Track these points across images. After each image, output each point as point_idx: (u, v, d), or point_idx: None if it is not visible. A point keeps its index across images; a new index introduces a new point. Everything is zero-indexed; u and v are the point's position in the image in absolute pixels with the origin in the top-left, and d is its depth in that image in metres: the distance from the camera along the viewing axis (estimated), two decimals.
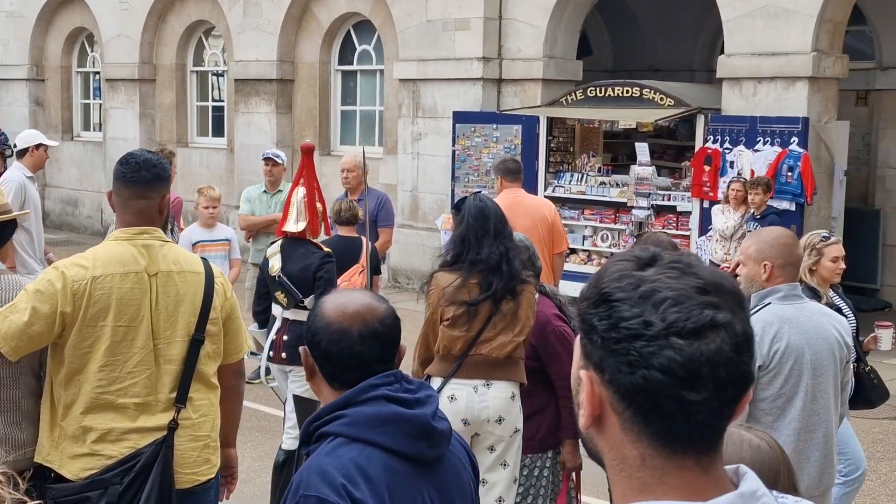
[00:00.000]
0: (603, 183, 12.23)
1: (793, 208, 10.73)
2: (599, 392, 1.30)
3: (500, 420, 4.61)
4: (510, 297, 4.54)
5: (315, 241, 6.29)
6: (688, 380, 1.24)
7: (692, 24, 15.39)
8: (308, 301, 6.01)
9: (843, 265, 5.50)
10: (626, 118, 12.07)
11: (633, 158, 12.07)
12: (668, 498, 1.27)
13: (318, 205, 6.33)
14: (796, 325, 3.95)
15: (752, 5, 11.09)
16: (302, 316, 5.78)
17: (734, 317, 1.28)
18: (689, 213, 11.47)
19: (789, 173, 10.68)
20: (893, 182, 13.38)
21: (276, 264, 6.12)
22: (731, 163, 11.10)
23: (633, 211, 11.85)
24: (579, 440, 4.66)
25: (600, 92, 12.05)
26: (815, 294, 5.31)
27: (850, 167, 12.71)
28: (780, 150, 10.73)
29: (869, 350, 5.84)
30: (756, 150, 10.91)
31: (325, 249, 6.33)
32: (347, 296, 2.51)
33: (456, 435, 2.53)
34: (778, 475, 1.86)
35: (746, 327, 1.29)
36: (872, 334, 5.89)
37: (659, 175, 11.92)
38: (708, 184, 11.19)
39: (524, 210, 7.81)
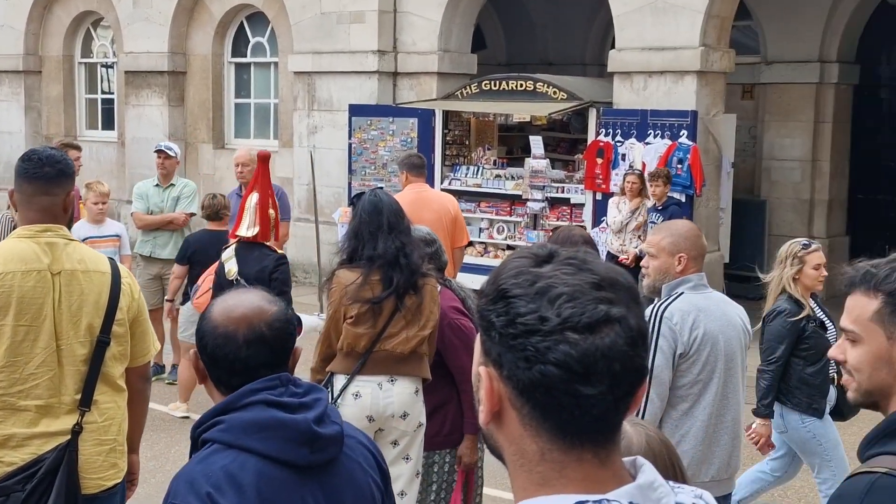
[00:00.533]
0: (498, 176, 12.34)
1: (683, 199, 10.99)
2: (498, 388, 1.31)
3: (404, 415, 4.62)
4: (413, 292, 4.55)
5: (268, 243, 6.43)
6: (583, 374, 1.26)
7: (584, 19, 15.63)
8: None
9: (825, 272, 5.42)
10: (521, 111, 12.20)
11: (527, 151, 12.21)
12: (567, 491, 1.28)
13: (271, 211, 6.48)
14: (709, 314, 4.08)
15: (642, 0, 11.31)
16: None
17: (629, 311, 1.29)
18: (583, 205, 11.66)
19: (679, 165, 10.94)
20: (778, 173, 13.82)
21: (232, 268, 6.26)
22: (623, 155, 11.32)
23: (529, 203, 11.99)
24: (479, 435, 4.71)
25: (495, 85, 12.15)
26: (797, 305, 5.33)
27: (737, 159, 13.08)
28: (670, 142, 10.98)
29: None
30: (647, 143, 11.15)
31: (280, 251, 6.47)
32: (237, 298, 2.41)
33: (361, 438, 2.48)
34: (667, 469, 1.92)
35: (641, 322, 1.31)
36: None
37: (553, 168, 12.08)
38: (600, 176, 11.39)
39: (429, 204, 8.01)
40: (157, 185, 9.51)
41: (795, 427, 5.48)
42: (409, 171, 8.19)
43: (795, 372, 5.41)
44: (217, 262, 6.49)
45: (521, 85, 12.01)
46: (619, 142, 11.34)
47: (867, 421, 8.55)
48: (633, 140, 11.25)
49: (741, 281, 13.46)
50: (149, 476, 6.72)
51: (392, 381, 4.62)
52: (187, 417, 8.18)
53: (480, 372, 1.33)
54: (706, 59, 10.98)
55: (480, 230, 12.50)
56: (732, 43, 12.00)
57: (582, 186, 11.70)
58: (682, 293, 4.06)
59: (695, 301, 4.06)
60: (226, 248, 6.46)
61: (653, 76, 11.28)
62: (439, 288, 4.79)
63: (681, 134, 10.94)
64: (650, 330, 4.00)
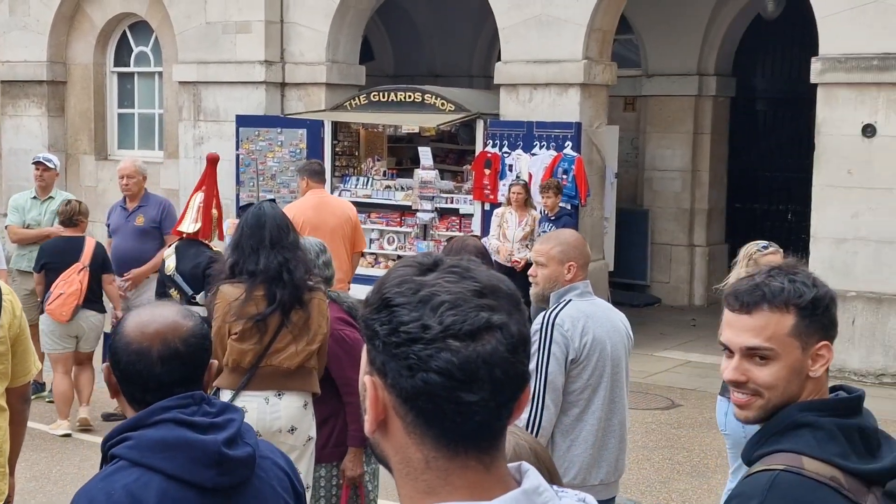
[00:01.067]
0: (388, 186, 12.37)
1: (569, 209, 11.19)
2: (383, 397, 1.32)
3: (292, 430, 4.60)
4: (299, 307, 4.53)
5: (206, 241, 6.83)
6: (465, 381, 1.26)
7: (470, 31, 15.80)
8: (199, 297, 6.47)
9: None
10: (409, 123, 12.27)
11: (417, 162, 12.28)
12: (453, 498, 1.29)
13: (214, 211, 6.91)
14: (597, 320, 4.18)
15: (527, 14, 11.51)
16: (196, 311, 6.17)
17: (510, 318, 1.30)
18: (472, 215, 11.77)
19: (564, 176, 11.14)
20: (660, 183, 14.18)
21: (171, 263, 6.63)
22: (511, 166, 11.48)
23: (418, 214, 12.05)
24: (365, 448, 4.72)
25: (383, 97, 12.19)
26: None
27: (621, 170, 13.39)
28: (555, 153, 11.18)
29: None
30: (533, 154, 11.33)
31: (215, 249, 6.78)
32: (151, 313, 2.35)
33: (278, 459, 2.43)
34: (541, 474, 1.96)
35: (522, 328, 1.32)
36: None
37: (442, 178, 12.18)
38: (488, 186, 11.52)
39: (332, 209, 8.30)
40: (34, 197, 9.26)
41: (736, 430, 5.36)
42: (309, 177, 8.41)
43: None
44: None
45: (410, 96, 12.08)
46: (506, 153, 11.50)
47: (661, 401, 8.64)
48: (519, 151, 11.42)
49: (626, 289, 13.78)
50: (29, 497, 6.54)
51: (279, 395, 4.59)
52: (69, 435, 7.97)
53: (365, 381, 1.34)
54: (589, 72, 11.22)
55: (371, 241, 12.49)
56: (614, 56, 12.30)
57: (470, 197, 11.82)
58: (570, 300, 4.15)
59: (583, 308, 4.16)
60: (169, 245, 6.82)
61: (538, 88, 11.47)
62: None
63: (566, 145, 11.15)
64: (542, 337, 4.08)
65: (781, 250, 5.43)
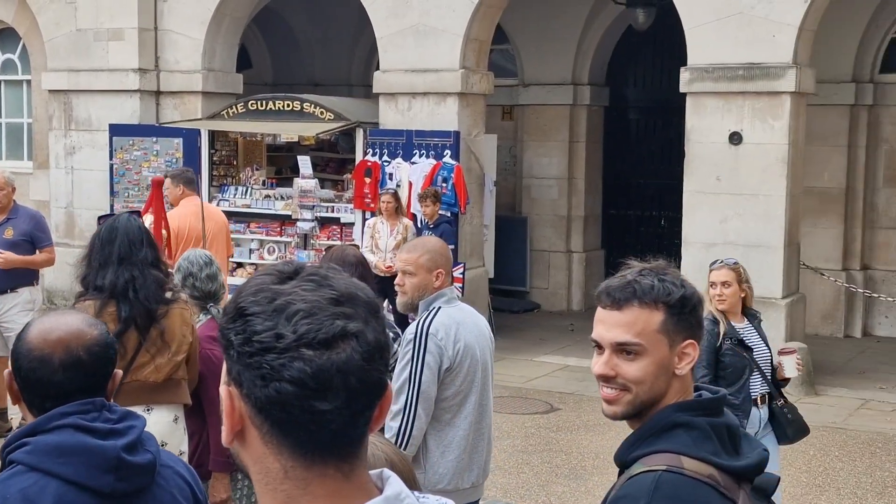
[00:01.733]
0: (268, 196, 12.27)
1: (447, 216, 11.29)
2: (239, 407, 1.31)
3: (162, 445, 4.49)
4: (154, 323, 4.41)
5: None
6: (319, 390, 1.26)
7: (349, 40, 15.78)
8: None
9: (721, 290, 5.32)
10: (288, 131, 12.19)
11: (296, 171, 12.21)
12: None
13: (164, 232, 7.14)
14: (466, 326, 4.23)
15: (404, 23, 11.57)
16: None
17: (367, 326, 1.30)
18: (353, 224, 11.76)
19: (444, 184, 11.24)
20: (538, 191, 14.41)
21: None
22: (391, 175, 11.52)
23: (298, 223, 11.98)
24: (233, 472, 4.62)
25: (261, 105, 12.10)
26: (714, 323, 5.30)
27: (499, 178, 13.56)
28: (434, 162, 11.27)
29: (782, 379, 5.49)
30: (413, 163, 11.39)
31: (169, 262, 7.17)
32: (55, 320, 2.33)
33: (180, 468, 2.42)
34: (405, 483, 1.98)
35: (379, 336, 1.32)
36: (777, 362, 5.51)
37: (322, 187, 12.14)
38: (369, 195, 11.53)
39: (212, 216, 8.44)
40: None
41: None
42: (185, 185, 8.45)
43: None
44: None
45: (289, 105, 12.01)
46: (386, 161, 11.53)
47: (540, 406, 8.80)
48: (399, 160, 11.47)
49: (506, 295, 13.95)
50: None
51: (148, 410, 4.49)
52: None
53: (221, 391, 1.34)
54: (466, 81, 11.34)
55: (251, 251, 12.38)
56: (492, 66, 12.46)
57: (351, 206, 11.81)
58: (439, 307, 4.20)
59: (453, 315, 4.21)
60: None
61: (417, 97, 11.55)
62: (203, 316, 4.73)
63: (445, 154, 11.25)
64: (416, 347, 4.11)
65: (729, 264, 5.46)
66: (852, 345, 12.20)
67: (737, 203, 10.21)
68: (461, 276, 11.29)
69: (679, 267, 10.63)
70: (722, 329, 5.31)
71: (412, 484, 2.01)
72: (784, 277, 10.16)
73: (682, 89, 10.42)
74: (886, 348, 11.98)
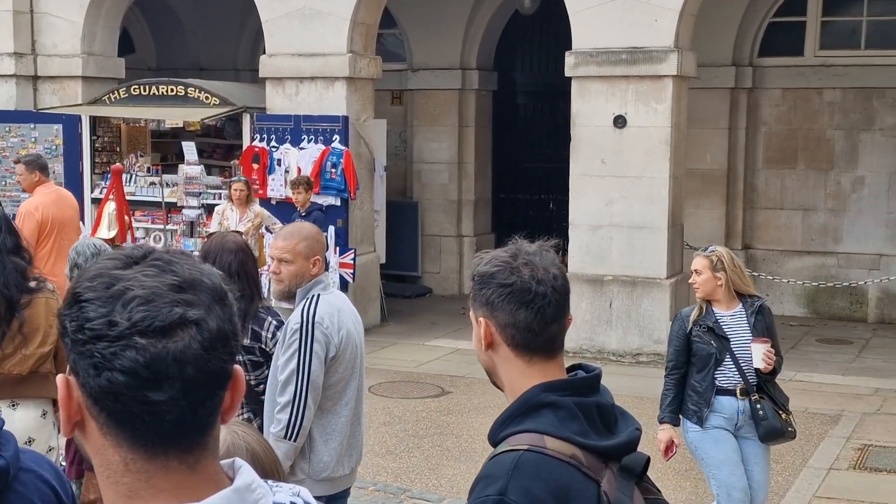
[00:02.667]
0: (153, 183, 12.01)
1: (338, 203, 11.22)
2: (77, 396, 1.27)
3: (29, 441, 4.35)
4: (14, 313, 4.24)
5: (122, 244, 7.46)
6: (152, 380, 1.22)
7: (235, 24, 15.53)
8: None
9: (696, 277, 5.29)
10: (172, 117, 11.95)
11: (182, 158, 11.97)
12: (157, 501, 1.26)
13: (126, 217, 7.89)
14: (344, 313, 4.20)
15: (290, 7, 11.43)
16: None
17: (209, 314, 1.26)
18: None
19: (333, 170, 11.16)
20: (428, 176, 14.42)
21: None
22: (279, 160, 11.38)
23: (185, 211, 11.76)
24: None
25: (144, 90, 11.83)
26: (699, 310, 5.29)
27: (390, 163, 13.53)
28: (323, 147, 11.18)
29: (763, 371, 5.28)
30: (301, 148, 11.28)
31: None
32: None
33: (44, 473, 2.24)
34: (268, 475, 1.94)
35: (222, 324, 1.28)
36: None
37: (209, 174, 11.93)
38: (257, 181, 11.37)
39: (70, 202, 8.47)
40: None
41: (685, 434, 5.41)
42: (42, 171, 8.45)
43: (689, 378, 5.35)
44: None
45: (172, 90, 11.78)
46: (274, 147, 11.39)
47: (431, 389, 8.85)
48: (287, 145, 11.35)
49: (398, 280, 13.95)
50: None
51: (13, 406, 4.35)
52: None
53: (58, 380, 1.29)
54: (354, 65, 11.26)
55: (137, 239, 12.09)
56: (381, 50, 12.40)
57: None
58: (318, 295, 4.16)
59: (332, 301, 4.18)
60: None
61: (304, 82, 11.42)
62: None
63: (333, 139, 11.16)
64: (303, 336, 4.05)
65: (705, 252, 5.33)
66: None
67: (622, 185, 10.38)
68: (352, 261, 11.25)
69: (566, 249, 10.80)
70: (694, 316, 5.32)
71: (276, 474, 1.97)
72: (668, 258, 10.38)
73: (567, 73, 10.53)
74: None
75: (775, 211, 13.00)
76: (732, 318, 5.30)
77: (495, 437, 2.07)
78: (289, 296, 4.18)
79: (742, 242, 13.04)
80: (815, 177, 12.78)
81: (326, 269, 4.36)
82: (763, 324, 5.30)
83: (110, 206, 7.95)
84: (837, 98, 12.57)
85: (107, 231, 7.79)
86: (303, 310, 4.11)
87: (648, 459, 2.10)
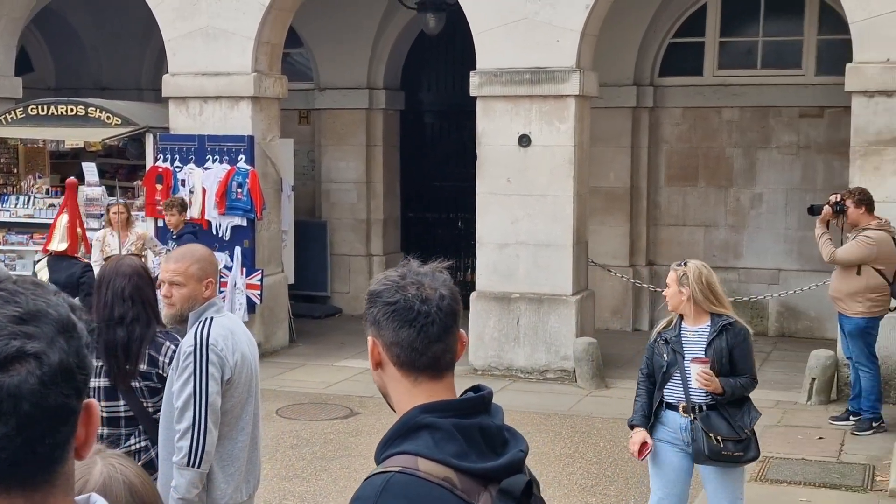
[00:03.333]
0: (52, 205, 11.73)
1: (244, 223, 11.11)
2: None
3: None
4: None
5: (75, 256, 8.07)
6: None
7: (137, 43, 15.29)
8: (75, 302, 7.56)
9: (666, 290, 5.32)
10: (72, 137, 11.70)
11: (83, 179, 11.72)
12: None
13: (79, 229, 8.11)
14: (238, 335, 4.13)
15: (192, 25, 11.31)
16: None
17: (50, 347, 1.23)
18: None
19: (239, 190, 11.05)
20: (337, 195, 14.37)
21: (44, 276, 7.65)
22: (183, 181, 11.23)
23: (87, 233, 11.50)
24: None
25: (42, 110, 11.57)
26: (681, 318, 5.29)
27: (298, 182, 13.44)
28: (229, 167, 11.06)
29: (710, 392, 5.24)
30: (206, 168, 11.15)
31: (85, 261, 8.25)
32: None
33: None
34: (136, 501, 1.90)
35: (66, 357, 1.25)
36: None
37: (111, 195, 11.70)
38: (161, 202, 11.21)
39: None
40: None
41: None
42: None
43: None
44: None
45: (72, 110, 11.55)
46: (178, 167, 11.24)
47: (340, 411, 8.75)
48: (192, 165, 11.21)
49: (307, 300, 13.84)
50: None
51: None
52: None
53: None
54: (259, 84, 11.18)
55: (35, 262, 11.79)
56: (287, 69, 12.34)
57: (143, 213, 11.45)
58: (211, 318, 4.09)
59: (226, 324, 4.12)
60: (38, 262, 8.00)
61: (208, 101, 11.30)
62: None
63: (239, 159, 11.06)
64: (197, 360, 3.97)
65: (678, 267, 5.30)
66: (640, 338, 12.70)
67: (527, 204, 10.48)
68: (259, 282, 11.14)
69: (474, 268, 10.85)
70: (659, 327, 5.41)
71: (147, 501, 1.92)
72: (574, 275, 10.50)
73: (472, 93, 10.61)
74: None
75: (678, 227, 13.26)
76: (695, 335, 5.30)
77: (378, 459, 2.07)
78: (181, 320, 4.11)
79: (646, 259, 13.27)
80: (716, 194, 13.08)
81: (220, 291, 4.28)
82: (724, 344, 5.24)
83: (63, 220, 8.17)
84: (735, 117, 12.89)
85: (58, 244, 8.00)
86: (195, 333, 4.03)
87: (530, 482, 2.10)
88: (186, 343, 4.03)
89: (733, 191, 13.02)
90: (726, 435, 5.19)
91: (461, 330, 2.14)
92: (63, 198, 8.74)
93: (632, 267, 13.06)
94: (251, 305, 11.08)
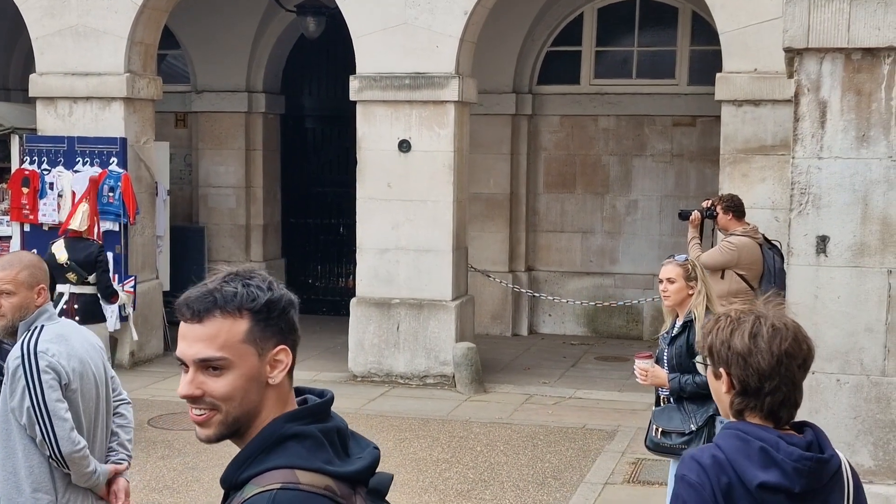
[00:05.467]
0: None
1: (116, 228, 10.80)
2: None
3: None
4: None
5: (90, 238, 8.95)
6: None
7: (5, 41, 14.76)
8: (91, 278, 8.49)
9: (666, 286, 5.33)
10: None
11: None
12: None
13: (95, 218, 9.61)
14: (74, 341, 3.92)
15: (62, 23, 10.96)
16: (87, 289, 8.50)
17: None
18: (10, 237, 10.99)
19: (111, 193, 10.73)
20: (215, 200, 14.10)
21: (63, 255, 8.41)
22: (51, 184, 10.87)
23: None
24: None
25: None
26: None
27: (174, 186, 13.15)
28: (100, 170, 10.74)
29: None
30: (76, 171, 10.80)
31: (99, 242, 9.16)
32: None
33: None
34: None
35: None
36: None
37: None
38: (27, 206, 10.83)
39: None
40: None
41: None
42: None
43: None
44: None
45: None
46: (46, 170, 10.87)
47: None
48: (60, 168, 10.85)
49: None
50: None
51: None
52: None
53: None
54: (132, 85, 10.90)
55: (51, 243, 11.26)
56: (164, 71, 12.06)
57: (8, 218, 11.03)
58: (42, 326, 3.89)
59: (58, 331, 3.92)
60: (54, 242, 8.65)
61: (78, 102, 10.96)
62: None
63: (111, 161, 10.75)
64: (28, 371, 3.75)
65: (679, 260, 5.35)
66: (519, 343, 12.84)
67: (407, 209, 10.46)
68: (132, 289, 10.83)
69: (355, 272, 10.77)
70: (666, 327, 5.47)
71: None
72: (454, 280, 10.52)
73: (352, 97, 10.54)
74: (550, 345, 12.70)
75: (556, 234, 13.42)
76: (676, 330, 5.44)
77: (233, 480, 1.94)
78: (12, 332, 3.89)
79: (525, 264, 13.38)
80: (593, 200, 13.28)
81: (52, 298, 4.07)
82: (684, 340, 5.33)
83: (85, 206, 9.35)
84: (612, 125, 13.12)
85: (78, 225, 8.77)
86: (21, 344, 3.81)
87: (392, 477, 2.08)
88: (13, 355, 3.81)
89: (609, 197, 13.24)
90: (673, 428, 5.32)
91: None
92: (85, 189, 10.40)
93: (511, 272, 13.15)
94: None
